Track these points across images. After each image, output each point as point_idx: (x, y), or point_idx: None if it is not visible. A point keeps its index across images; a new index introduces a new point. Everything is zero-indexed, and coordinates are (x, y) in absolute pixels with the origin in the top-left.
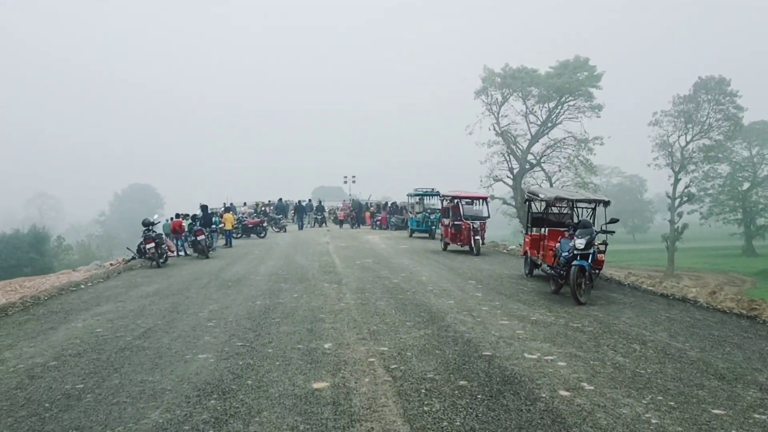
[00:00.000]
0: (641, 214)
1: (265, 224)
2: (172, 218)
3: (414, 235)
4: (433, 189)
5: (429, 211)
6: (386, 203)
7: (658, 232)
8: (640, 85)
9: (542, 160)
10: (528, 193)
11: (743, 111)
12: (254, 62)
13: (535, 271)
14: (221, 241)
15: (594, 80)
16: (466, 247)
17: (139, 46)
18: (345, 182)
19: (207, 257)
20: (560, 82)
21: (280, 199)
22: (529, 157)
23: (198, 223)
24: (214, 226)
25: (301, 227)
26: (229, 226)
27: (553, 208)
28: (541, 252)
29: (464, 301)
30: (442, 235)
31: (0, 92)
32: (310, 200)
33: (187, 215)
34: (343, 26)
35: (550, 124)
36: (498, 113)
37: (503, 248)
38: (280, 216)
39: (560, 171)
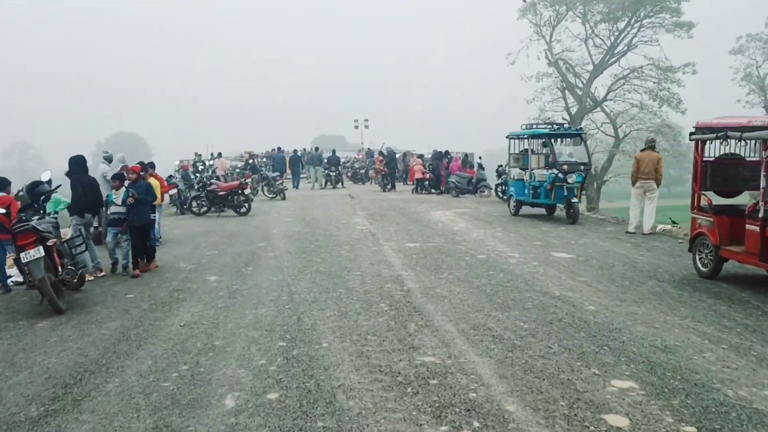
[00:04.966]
0: (679, 164)
1: (247, 191)
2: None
3: (521, 211)
4: (564, 125)
5: (566, 167)
6: (442, 153)
7: None
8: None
9: (610, 97)
10: None
11: None
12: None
13: None
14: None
15: None
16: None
17: None
18: (356, 127)
19: (61, 310)
20: None
21: (279, 149)
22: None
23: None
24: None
25: (296, 185)
26: (159, 200)
27: None
28: None
29: None
30: (709, 239)
31: None
32: (317, 149)
33: (39, 183)
34: None
35: (618, 50)
36: (550, 37)
37: None
38: (276, 174)
39: (641, 109)
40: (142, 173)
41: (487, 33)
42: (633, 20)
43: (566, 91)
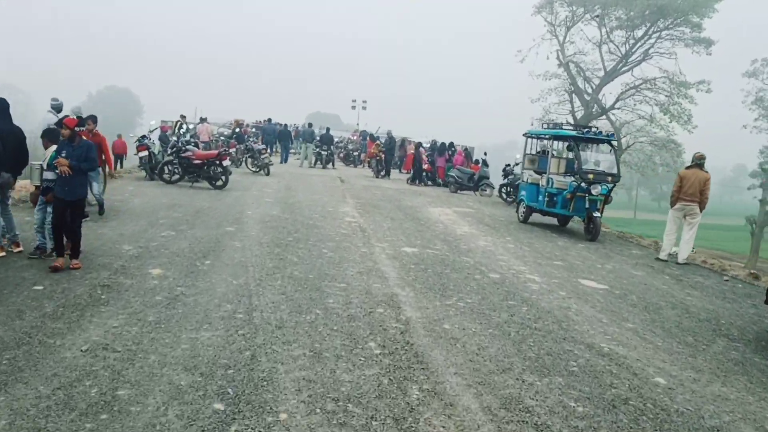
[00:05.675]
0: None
1: (226, 162)
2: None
3: (531, 218)
4: (593, 128)
5: (591, 175)
6: (444, 144)
7: None
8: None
9: (617, 105)
10: None
11: None
12: None
13: None
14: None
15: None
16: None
17: None
18: (353, 107)
19: None
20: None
21: (269, 120)
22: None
23: None
24: None
25: (284, 159)
26: None
27: None
28: None
29: None
30: None
31: None
32: (310, 125)
33: None
34: None
35: (632, 59)
36: (564, 38)
37: None
38: (263, 147)
39: (650, 122)
40: (78, 128)
41: (493, 21)
42: (651, 30)
43: (574, 95)
